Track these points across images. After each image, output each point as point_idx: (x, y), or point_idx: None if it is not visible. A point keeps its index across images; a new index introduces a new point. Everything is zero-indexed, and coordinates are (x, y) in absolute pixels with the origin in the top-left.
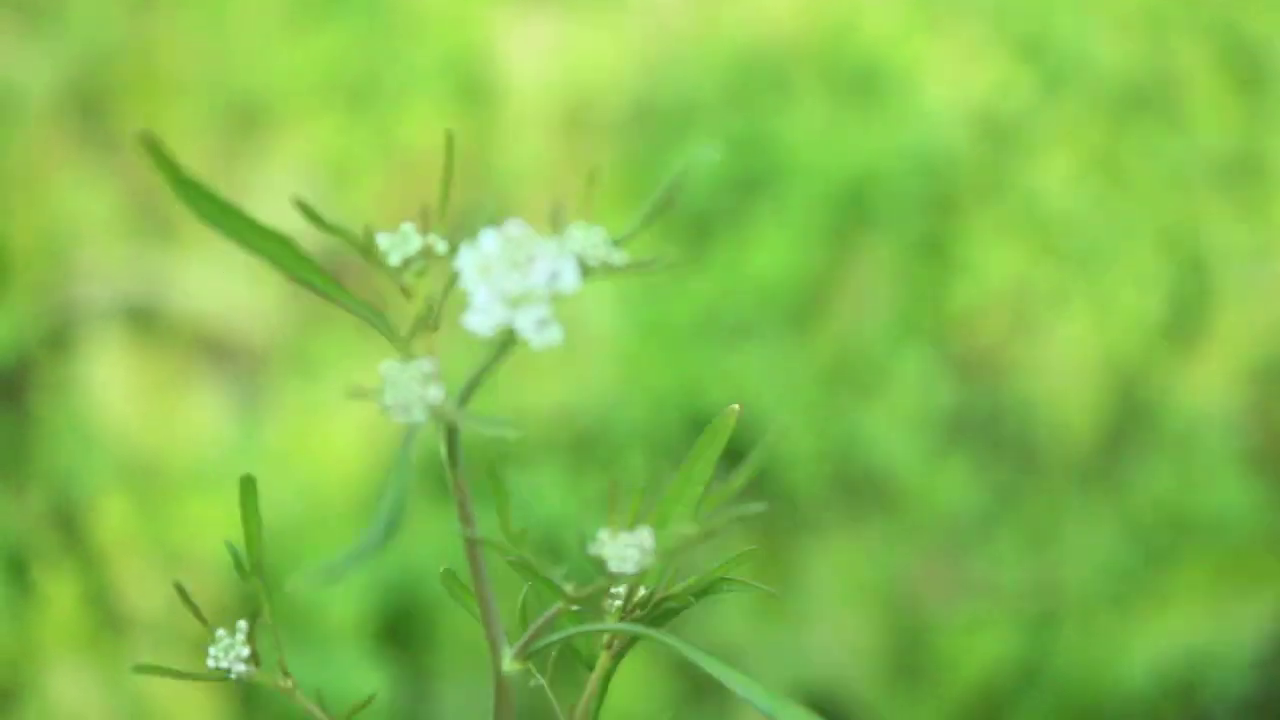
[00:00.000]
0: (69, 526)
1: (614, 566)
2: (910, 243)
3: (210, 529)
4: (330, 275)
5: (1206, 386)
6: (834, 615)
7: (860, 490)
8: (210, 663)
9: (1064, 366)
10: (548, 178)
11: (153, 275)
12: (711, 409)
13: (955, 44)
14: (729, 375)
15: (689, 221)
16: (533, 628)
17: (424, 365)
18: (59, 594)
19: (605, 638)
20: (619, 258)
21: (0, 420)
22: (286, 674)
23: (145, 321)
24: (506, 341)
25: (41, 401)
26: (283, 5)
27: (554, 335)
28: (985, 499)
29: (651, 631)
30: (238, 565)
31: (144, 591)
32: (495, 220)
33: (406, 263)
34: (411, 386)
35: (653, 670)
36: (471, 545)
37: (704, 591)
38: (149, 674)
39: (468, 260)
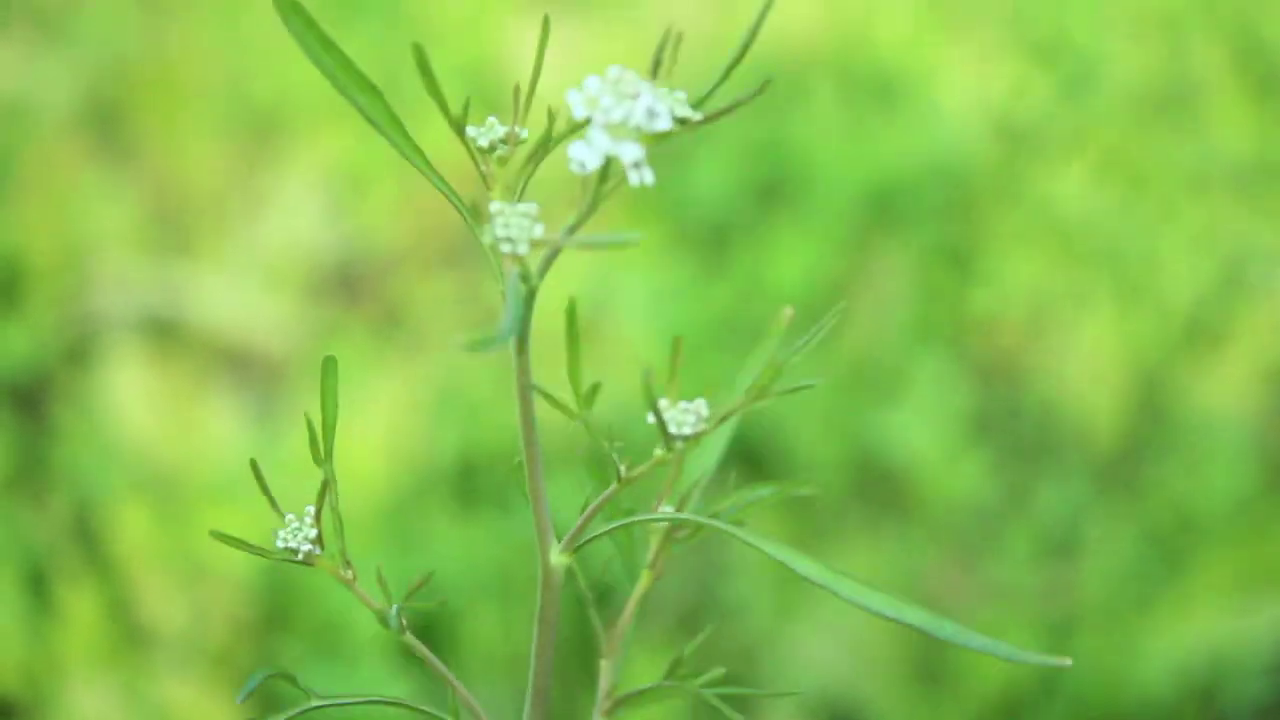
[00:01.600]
0: (89, 539)
1: (673, 429)
2: (929, 248)
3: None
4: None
5: (1226, 390)
6: (852, 620)
7: (879, 494)
8: (279, 543)
9: (1083, 370)
10: (563, 185)
11: (171, 287)
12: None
13: (971, 49)
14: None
15: (708, 229)
16: (583, 518)
17: (530, 206)
18: (79, 607)
19: (648, 557)
20: (695, 114)
21: (20, 432)
22: (348, 564)
23: (164, 333)
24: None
25: (61, 413)
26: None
27: (648, 175)
28: (1004, 502)
29: (710, 521)
30: (312, 447)
31: (164, 604)
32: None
33: (492, 145)
34: (521, 222)
35: None
36: (527, 425)
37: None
38: (223, 542)
39: (576, 98)
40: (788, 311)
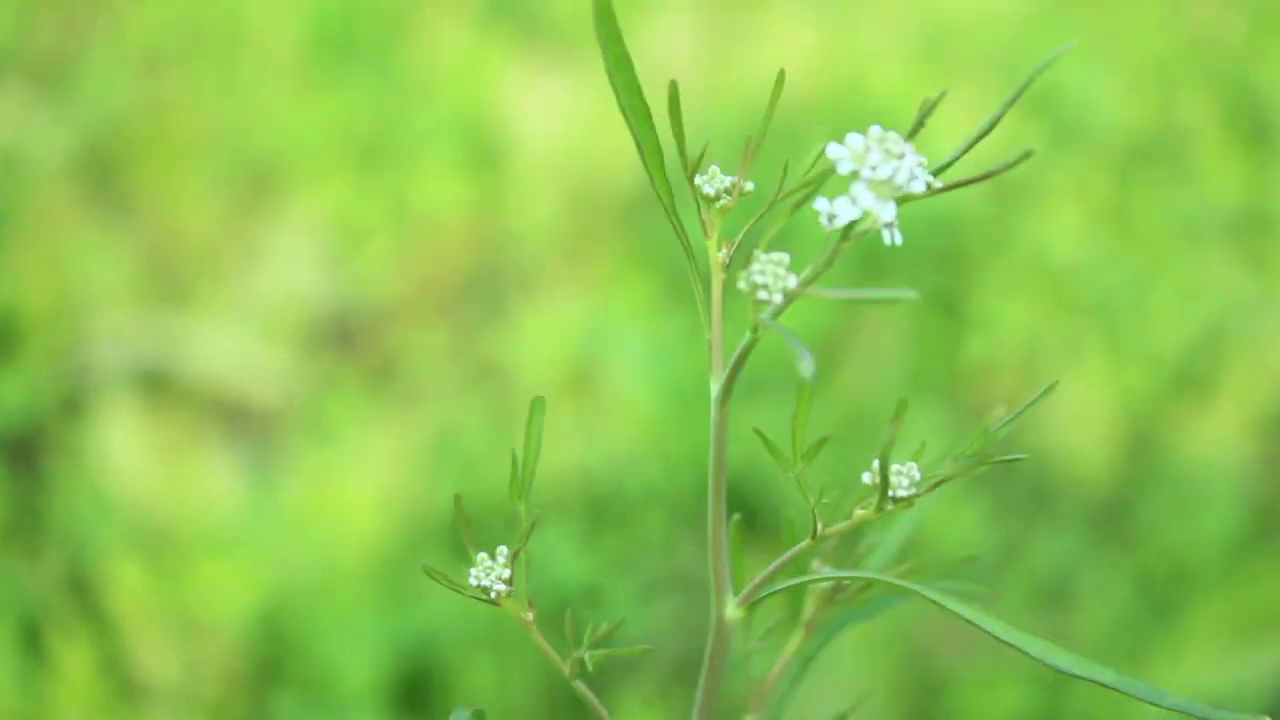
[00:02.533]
0: (83, 592)
1: (893, 492)
2: (922, 297)
3: (225, 593)
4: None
5: (1215, 438)
6: (849, 670)
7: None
8: (472, 581)
9: (1075, 419)
10: (557, 237)
11: (166, 339)
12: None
13: (964, 98)
14: (743, 432)
15: (705, 278)
16: (767, 571)
17: (783, 255)
18: (73, 659)
19: (806, 618)
20: (939, 181)
21: (14, 485)
22: (531, 605)
23: (159, 385)
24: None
25: (55, 466)
26: (295, 68)
27: (899, 236)
28: (998, 551)
29: (896, 580)
30: (512, 485)
31: (158, 657)
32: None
33: (718, 194)
34: (776, 270)
35: None
36: (718, 473)
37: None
38: (432, 578)
39: (840, 152)
40: (900, 404)
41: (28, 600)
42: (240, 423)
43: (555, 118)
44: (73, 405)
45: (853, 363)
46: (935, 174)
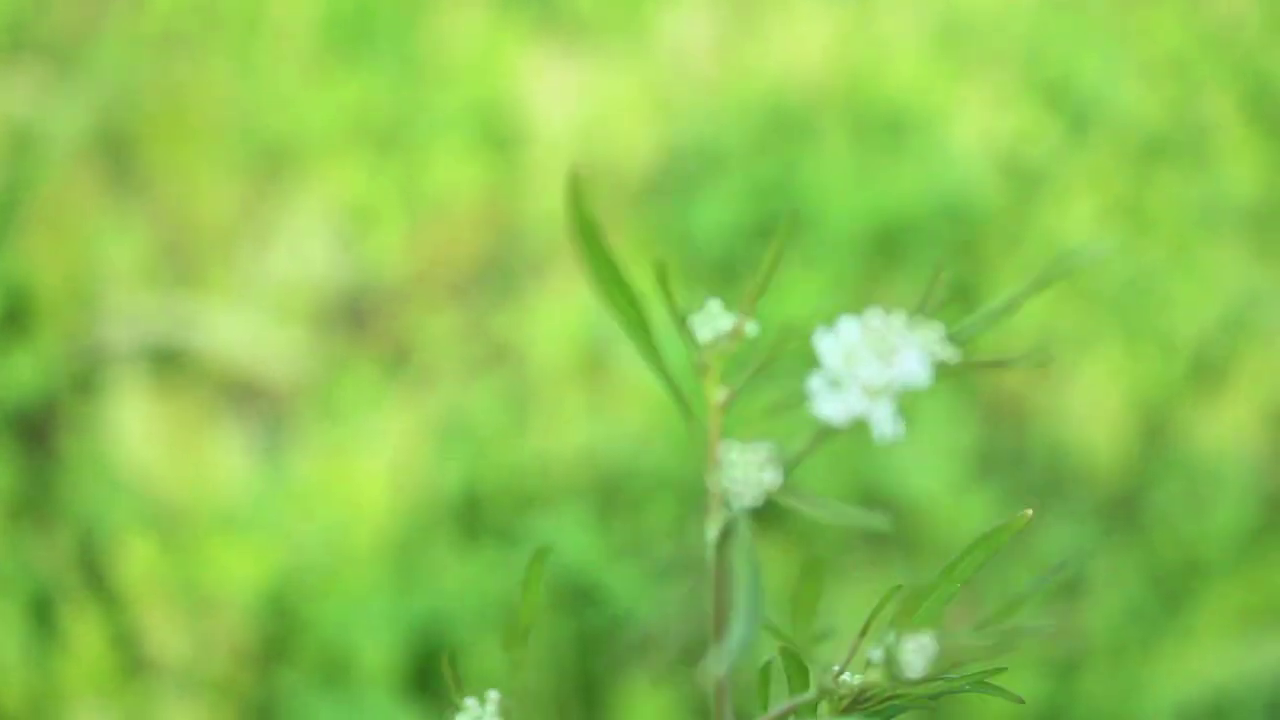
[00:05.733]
0: (94, 569)
1: (906, 672)
2: (937, 285)
3: (235, 571)
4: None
5: (1229, 430)
6: (855, 660)
7: (882, 533)
8: None
9: (1088, 409)
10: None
11: (179, 318)
12: None
13: (982, 90)
14: (755, 418)
15: (715, 266)
16: (772, 714)
17: (764, 449)
18: (84, 636)
19: None
20: (954, 356)
21: (26, 462)
22: None
23: (171, 364)
24: (851, 428)
25: (67, 444)
26: (311, 50)
27: (901, 428)
28: (1009, 541)
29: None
30: (507, 634)
31: (168, 634)
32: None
33: (716, 340)
34: (751, 469)
35: (674, 714)
36: (720, 693)
37: (934, 694)
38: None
39: (829, 346)
40: (1027, 513)
41: (38, 576)
42: (252, 402)
43: (571, 102)
44: (85, 383)
45: None
46: (944, 353)
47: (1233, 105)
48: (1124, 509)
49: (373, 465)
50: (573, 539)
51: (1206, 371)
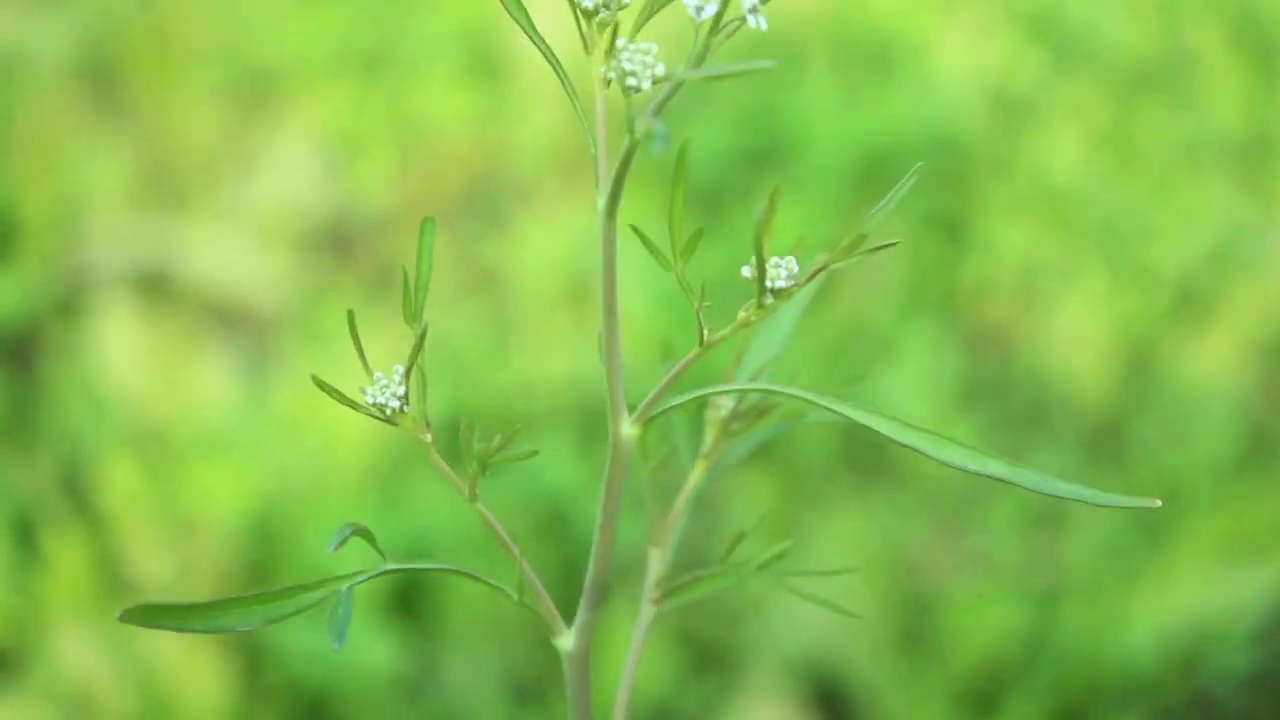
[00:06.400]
0: (77, 492)
1: (778, 283)
2: (922, 217)
3: (218, 495)
4: None
5: (1212, 361)
6: (838, 588)
7: (867, 462)
8: (368, 399)
9: (1072, 340)
10: (558, 149)
11: (163, 243)
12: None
13: (967, 20)
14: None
15: (702, 194)
16: (659, 386)
17: (651, 45)
18: (66, 558)
19: (705, 447)
20: None
21: (10, 386)
22: (428, 426)
23: (155, 289)
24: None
25: (51, 367)
26: None
27: (764, 21)
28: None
29: (802, 394)
30: (405, 305)
31: (151, 556)
32: None
33: (596, 8)
34: (644, 59)
35: (659, 643)
36: (609, 292)
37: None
38: (321, 389)
39: None
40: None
41: (22, 499)
42: (236, 327)
43: (558, 30)
44: (69, 307)
45: (852, 282)
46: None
47: (1218, 37)
48: (1107, 439)
49: (355, 388)
50: (556, 464)
51: (1190, 303)
